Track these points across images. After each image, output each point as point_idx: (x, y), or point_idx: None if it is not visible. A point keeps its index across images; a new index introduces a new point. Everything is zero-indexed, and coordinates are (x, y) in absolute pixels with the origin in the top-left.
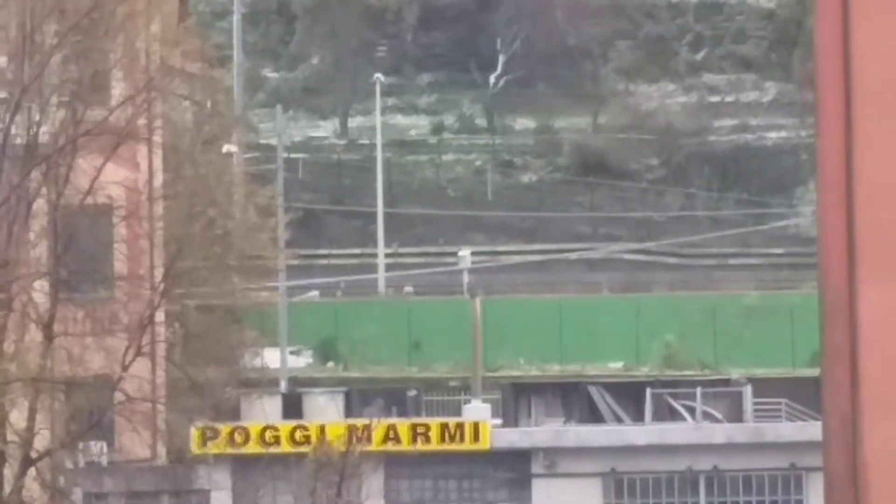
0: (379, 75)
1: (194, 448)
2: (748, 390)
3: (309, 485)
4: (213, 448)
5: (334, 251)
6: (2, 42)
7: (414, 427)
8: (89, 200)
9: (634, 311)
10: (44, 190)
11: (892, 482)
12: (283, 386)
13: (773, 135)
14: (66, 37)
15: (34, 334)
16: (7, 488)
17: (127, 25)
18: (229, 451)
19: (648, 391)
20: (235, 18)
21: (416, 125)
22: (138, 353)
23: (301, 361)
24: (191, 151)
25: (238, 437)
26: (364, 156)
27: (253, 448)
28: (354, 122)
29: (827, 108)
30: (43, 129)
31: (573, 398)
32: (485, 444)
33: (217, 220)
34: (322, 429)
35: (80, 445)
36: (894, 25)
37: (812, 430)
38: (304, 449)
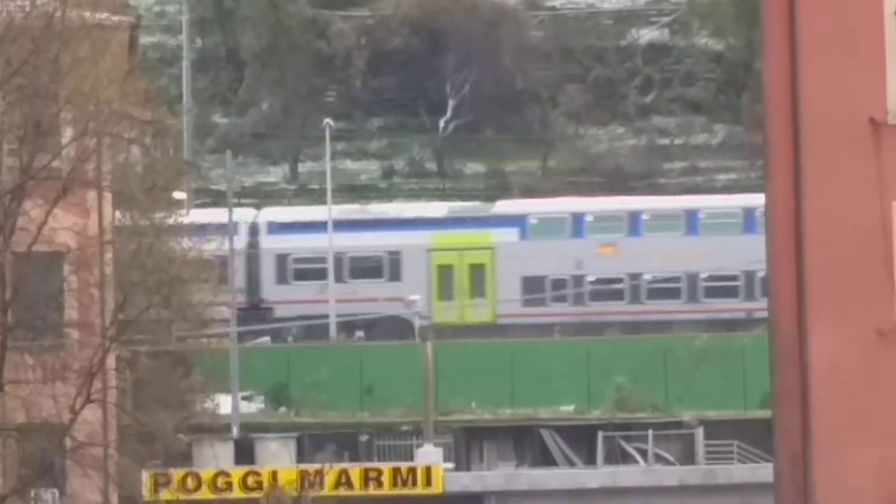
0: (328, 120)
1: (146, 494)
2: (700, 432)
3: None
4: (165, 494)
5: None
6: None
7: (366, 472)
8: (39, 247)
9: (586, 354)
10: None
11: None
12: (235, 431)
13: (722, 177)
14: (8, 82)
15: None
16: None
17: (73, 70)
18: (181, 497)
19: (600, 434)
20: (185, 64)
21: (367, 169)
22: (88, 400)
23: (253, 407)
24: (140, 197)
25: (190, 483)
26: (314, 200)
27: (205, 494)
28: (305, 167)
29: (776, 151)
30: None
31: (525, 441)
32: (437, 488)
33: (164, 267)
34: (274, 474)
35: (32, 493)
36: (842, 67)
37: (764, 471)
38: (256, 495)
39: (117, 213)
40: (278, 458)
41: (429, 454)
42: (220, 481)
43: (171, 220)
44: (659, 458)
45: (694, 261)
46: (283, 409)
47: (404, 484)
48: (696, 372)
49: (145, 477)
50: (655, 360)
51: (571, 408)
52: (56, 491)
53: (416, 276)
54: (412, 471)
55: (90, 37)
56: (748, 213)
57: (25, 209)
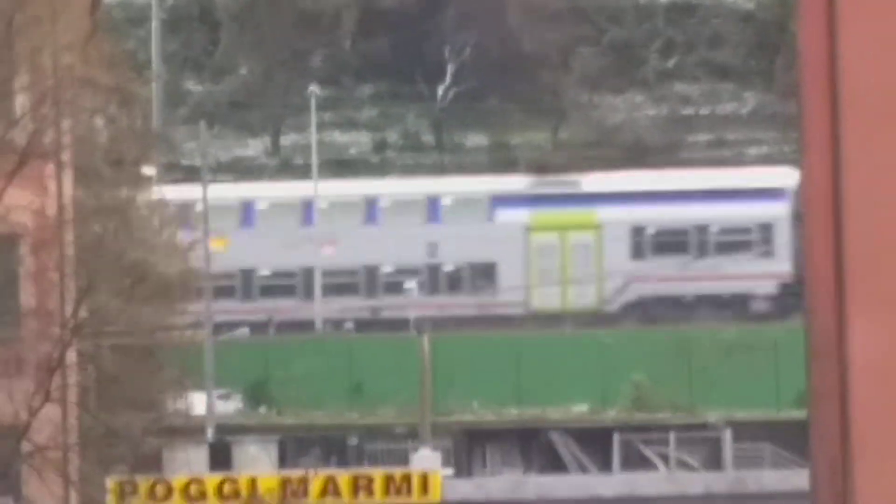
0: (314, 87)
1: (111, 503)
2: (727, 435)
3: None
4: (131, 503)
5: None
6: None
7: (355, 478)
8: None
9: (600, 348)
10: None
11: None
12: (210, 434)
13: (752, 150)
14: None
15: None
16: None
17: (28, 30)
18: None
19: (616, 437)
20: (154, 25)
21: (356, 142)
22: (47, 398)
23: (230, 406)
24: (104, 172)
25: (159, 491)
26: (298, 177)
27: (176, 503)
28: (287, 139)
29: (812, 121)
30: None
31: (533, 445)
32: (435, 496)
33: (131, 248)
34: (253, 481)
35: None
36: (885, 28)
37: (798, 478)
38: None
39: (78, 190)
40: (258, 464)
41: (425, 459)
42: (193, 489)
43: (138, 197)
44: (681, 464)
45: None
46: (263, 409)
47: (398, 492)
48: (722, 368)
49: (110, 484)
50: (677, 355)
51: (584, 407)
52: (11, 499)
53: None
54: (407, 477)
55: None
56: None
57: None
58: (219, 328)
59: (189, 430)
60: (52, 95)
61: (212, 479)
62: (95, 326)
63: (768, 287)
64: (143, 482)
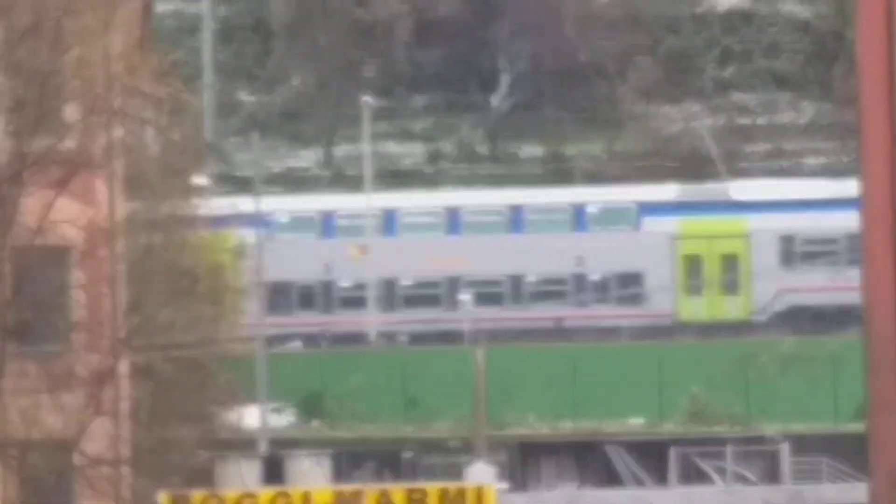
0: (367, 98)
1: None
2: (785, 448)
3: None
4: None
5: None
6: None
7: (410, 493)
8: (41, 241)
9: (657, 360)
10: None
11: None
12: (263, 448)
13: (811, 160)
14: (7, 54)
15: None
16: None
17: (79, 40)
18: None
19: (673, 450)
20: (206, 35)
21: (410, 153)
22: (98, 411)
23: (283, 420)
24: (155, 183)
25: None
26: (351, 188)
27: None
28: (340, 150)
29: (871, 131)
30: None
31: (589, 459)
32: None
33: (183, 259)
34: (306, 496)
35: None
36: None
37: (857, 492)
38: None
39: (129, 201)
40: (311, 478)
41: (480, 473)
42: (246, 503)
43: (190, 209)
44: (739, 478)
45: None
46: (316, 423)
47: None
48: (780, 380)
49: (162, 498)
50: (735, 367)
51: (641, 421)
52: None
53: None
54: (461, 492)
55: (98, 3)
56: None
57: (26, 198)
58: (272, 341)
59: (242, 444)
60: (102, 105)
61: (265, 494)
62: (147, 338)
63: None
64: (195, 496)
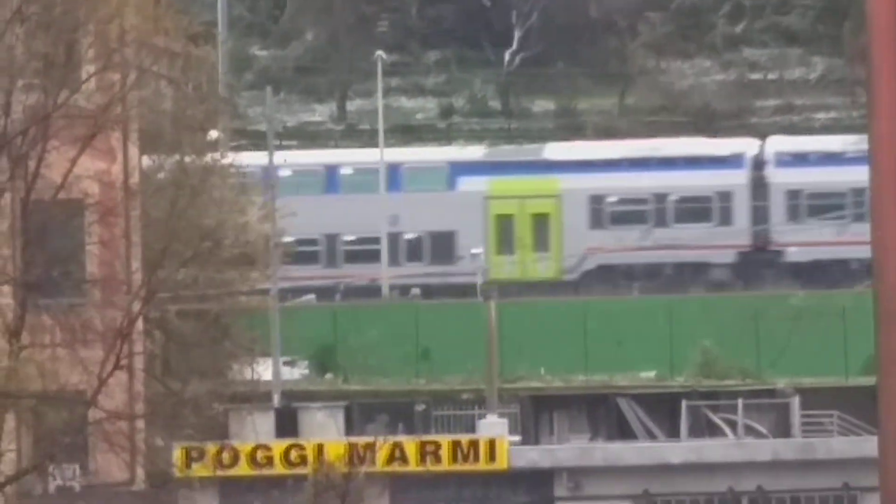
0: (380, 53)
1: (177, 470)
2: (796, 402)
3: None
4: (198, 470)
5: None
6: None
7: (422, 445)
8: (61, 196)
9: (668, 314)
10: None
11: None
12: (277, 400)
13: (821, 115)
14: (22, 10)
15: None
16: None
17: None
18: (217, 473)
19: (684, 404)
20: None
21: (423, 108)
22: (116, 366)
23: (296, 373)
24: (172, 139)
25: (226, 458)
26: (364, 143)
27: (243, 470)
28: (353, 105)
29: (882, 87)
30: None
31: (600, 412)
32: (502, 463)
33: (201, 214)
34: (320, 448)
35: (51, 468)
36: None
37: (868, 445)
38: (299, 471)
39: (145, 156)
40: (324, 431)
41: (492, 426)
42: (260, 455)
43: (206, 162)
44: (750, 431)
45: None
46: (329, 376)
47: (465, 459)
48: (791, 334)
49: (176, 451)
50: (746, 321)
51: (652, 374)
52: (77, 467)
53: None
54: (474, 444)
55: None
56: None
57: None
58: (287, 294)
59: (255, 397)
60: (117, 61)
61: (278, 446)
62: (165, 293)
63: None
64: (209, 449)
